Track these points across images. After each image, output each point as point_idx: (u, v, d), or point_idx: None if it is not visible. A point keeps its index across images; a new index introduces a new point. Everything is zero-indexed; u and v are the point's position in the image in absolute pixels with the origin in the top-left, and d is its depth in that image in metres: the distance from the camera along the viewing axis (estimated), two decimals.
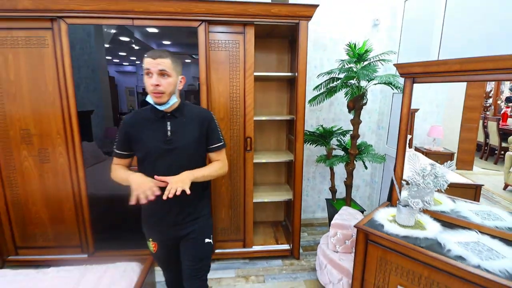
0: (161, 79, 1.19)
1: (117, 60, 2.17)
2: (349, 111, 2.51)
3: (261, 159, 2.45)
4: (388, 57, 2.30)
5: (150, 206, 1.24)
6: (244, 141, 2.23)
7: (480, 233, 1.39)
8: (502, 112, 2.05)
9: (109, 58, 2.13)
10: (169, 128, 1.27)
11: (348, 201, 2.67)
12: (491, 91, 2.09)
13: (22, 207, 2.17)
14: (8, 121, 2.04)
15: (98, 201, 2.19)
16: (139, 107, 2.31)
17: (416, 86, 1.62)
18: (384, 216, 1.60)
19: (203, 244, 1.39)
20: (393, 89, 2.37)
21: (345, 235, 1.97)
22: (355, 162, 2.58)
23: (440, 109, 2.12)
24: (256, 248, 2.44)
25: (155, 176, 1.18)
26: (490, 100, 2.09)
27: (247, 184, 2.30)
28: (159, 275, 1.72)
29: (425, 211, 1.59)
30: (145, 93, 2.29)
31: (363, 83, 2.34)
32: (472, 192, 1.75)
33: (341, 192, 2.93)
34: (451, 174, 1.72)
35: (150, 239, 1.40)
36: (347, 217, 2.08)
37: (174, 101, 1.26)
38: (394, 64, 1.70)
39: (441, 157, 1.98)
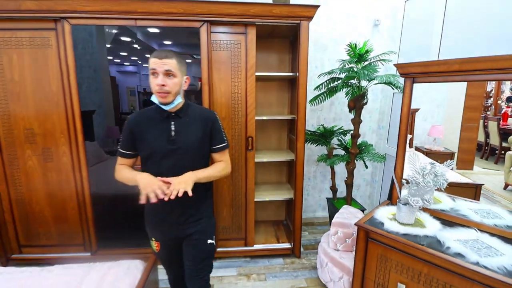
0: (166, 79, 1.19)
1: (118, 60, 2.19)
2: (350, 111, 2.52)
3: (263, 158, 2.47)
4: (389, 57, 2.31)
5: (153, 206, 1.25)
6: (245, 140, 2.25)
7: (479, 231, 1.40)
8: (502, 112, 2.06)
9: (111, 58, 2.15)
10: (173, 128, 1.27)
11: (349, 200, 2.68)
12: (491, 91, 2.09)
13: (26, 206, 2.19)
14: (12, 121, 2.06)
15: (101, 200, 2.21)
16: (140, 107, 2.33)
17: (416, 86, 1.63)
18: (385, 214, 1.61)
19: (206, 244, 1.39)
20: (393, 89, 2.39)
21: (346, 234, 1.99)
22: (355, 161, 2.59)
23: (441, 109, 2.13)
24: (257, 246, 2.46)
25: (158, 178, 1.18)
26: (491, 100, 2.10)
27: (249, 183, 2.32)
28: (162, 273, 1.73)
29: (425, 209, 1.60)
30: (145, 93, 2.33)
31: (363, 83, 2.35)
32: (472, 191, 1.77)
33: (341, 191, 2.94)
34: (452, 174, 1.74)
35: (153, 239, 1.41)
36: (348, 215, 2.10)
37: (179, 101, 1.26)
38: (394, 64, 1.71)
39: (441, 157, 1.98)
